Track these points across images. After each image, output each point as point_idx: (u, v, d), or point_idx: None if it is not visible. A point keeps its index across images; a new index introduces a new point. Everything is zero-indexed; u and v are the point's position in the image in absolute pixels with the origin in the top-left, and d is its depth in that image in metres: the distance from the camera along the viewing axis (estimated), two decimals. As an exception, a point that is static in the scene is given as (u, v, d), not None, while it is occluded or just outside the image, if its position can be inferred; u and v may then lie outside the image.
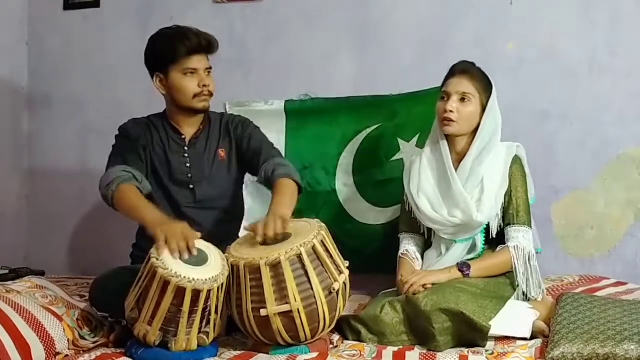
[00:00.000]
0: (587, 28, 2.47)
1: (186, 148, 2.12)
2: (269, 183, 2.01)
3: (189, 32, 2.04)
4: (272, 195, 1.94)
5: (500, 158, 2.08)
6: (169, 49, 2.02)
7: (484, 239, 2.09)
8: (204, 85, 2.04)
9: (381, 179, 2.51)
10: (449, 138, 2.10)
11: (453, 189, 2.06)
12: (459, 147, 2.10)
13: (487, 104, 2.07)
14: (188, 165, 2.11)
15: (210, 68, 2.08)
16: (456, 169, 2.08)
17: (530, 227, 2.07)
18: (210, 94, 2.07)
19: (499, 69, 2.28)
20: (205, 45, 2.04)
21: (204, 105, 2.07)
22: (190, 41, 2.02)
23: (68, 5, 2.92)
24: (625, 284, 2.24)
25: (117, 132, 2.12)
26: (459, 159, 2.10)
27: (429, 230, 2.15)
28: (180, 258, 1.70)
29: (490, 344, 1.82)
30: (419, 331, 1.86)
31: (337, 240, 1.85)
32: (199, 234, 1.78)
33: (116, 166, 1.99)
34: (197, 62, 2.04)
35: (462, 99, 2.04)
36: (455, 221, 2.05)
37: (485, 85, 2.07)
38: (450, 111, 2.03)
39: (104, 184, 1.95)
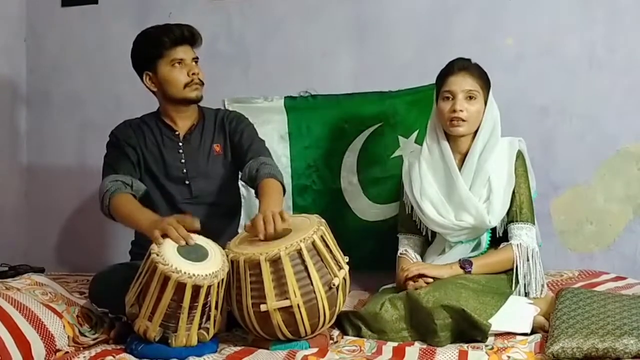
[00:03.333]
0: (586, 23, 2.47)
1: (180, 144, 2.12)
2: (253, 181, 2.01)
3: (170, 25, 2.08)
4: (260, 194, 1.93)
5: (504, 154, 2.07)
6: (154, 44, 2.05)
7: (489, 238, 2.08)
8: (193, 74, 2.06)
9: (381, 176, 2.51)
10: (451, 138, 2.07)
11: (459, 192, 2.03)
12: (462, 146, 2.07)
13: (487, 99, 2.06)
14: (183, 161, 2.11)
15: (197, 58, 2.09)
16: (459, 169, 2.06)
17: (534, 224, 2.07)
18: (201, 83, 2.08)
19: (498, 64, 2.27)
20: (189, 35, 2.07)
21: (196, 94, 2.08)
22: (173, 33, 2.04)
23: (66, 2, 2.92)
24: (624, 278, 2.24)
25: (108, 139, 2.14)
26: (461, 157, 2.08)
27: (432, 231, 2.12)
28: (180, 250, 1.70)
29: (490, 339, 1.82)
30: (420, 327, 1.85)
31: (340, 238, 1.84)
32: (197, 222, 1.79)
33: (106, 178, 2.03)
34: (183, 52, 2.06)
35: (469, 97, 2.02)
36: (463, 225, 2.03)
37: (485, 81, 2.06)
38: (460, 110, 2.00)
39: (100, 201, 2.00)
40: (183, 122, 2.13)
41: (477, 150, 2.05)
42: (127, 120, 2.18)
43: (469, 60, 2.08)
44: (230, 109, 2.54)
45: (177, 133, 2.13)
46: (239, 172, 2.21)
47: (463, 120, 2.01)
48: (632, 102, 2.44)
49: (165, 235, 1.74)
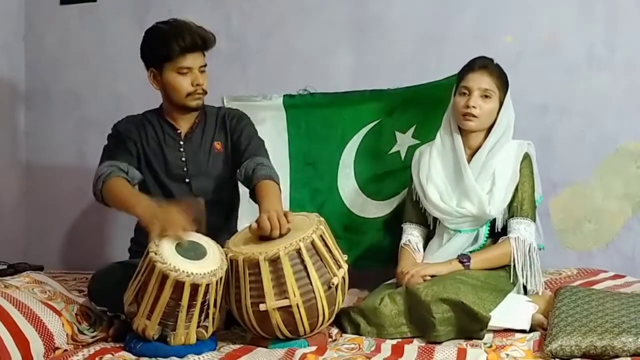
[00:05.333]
0: (586, 22, 2.47)
1: (182, 142, 2.12)
2: (249, 181, 1.99)
3: (184, 29, 2.01)
4: (259, 196, 1.91)
5: (512, 154, 2.10)
6: (164, 47, 2.00)
7: (488, 231, 2.10)
8: (198, 85, 2.03)
9: (380, 172, 2.51)
10: (464, 132, 2.11)
11: (465, 183, 2.08)
12: (473, 141, 2.12)
13: (503, 100, 2.09)
14: (184, 159, 2.11)
15: (205, 65, 2.06)
16: (468, 162, 2.09)
17: (534, 220, 2.08)
18: (204, 92, 2.06)
19: (498, 62, 2.27)
20: (201, 43, 2.02)
21: (197, 103, 2.07)
22: (184, 40, 1.99)
23: (65, 0, 2.91)
24: (622, 276, 2.25)
25: (110, 131, 2.13)
26: (471, 152, 2.12)
27: (434, 220, 2.16)
28: (178, 249, 1.70)
29: (488, 337, 1.83)
30: (419, 322, 1.87)
31: (338, 236, 1.84)
32: (201, 201, 1.78)
33: (102, 163, 2.02)
34: (192, 60, 2.01)
35: (484, 96, 2.05)
36: (463, 212, 2.07)
37: (503, 82, 2.09)
38: (473, 107, 2.04)
39: (93, 184, 1.98)
40: (185, 121, 2.13)
41: (487, 146, 2.10)
42: (130, 115, 2.17)
43: (491, 60, 2.11)
44: (229, 107, 2.53)
45: (178, 131, 2.13)
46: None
47: (475, 117, 2.05)
48: (632, 101, 2.44)
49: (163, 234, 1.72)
